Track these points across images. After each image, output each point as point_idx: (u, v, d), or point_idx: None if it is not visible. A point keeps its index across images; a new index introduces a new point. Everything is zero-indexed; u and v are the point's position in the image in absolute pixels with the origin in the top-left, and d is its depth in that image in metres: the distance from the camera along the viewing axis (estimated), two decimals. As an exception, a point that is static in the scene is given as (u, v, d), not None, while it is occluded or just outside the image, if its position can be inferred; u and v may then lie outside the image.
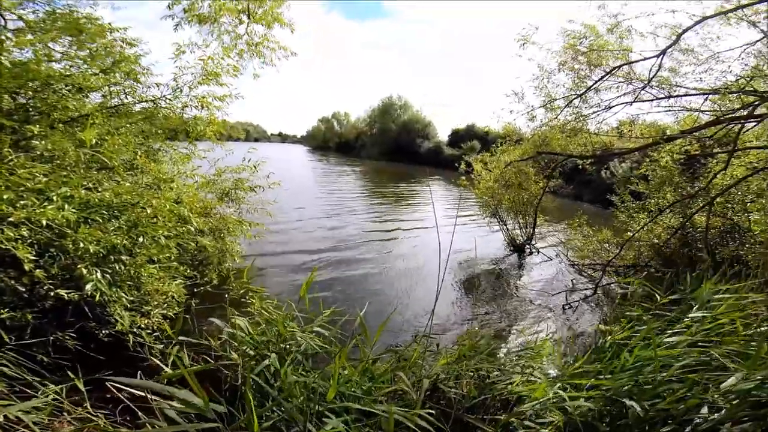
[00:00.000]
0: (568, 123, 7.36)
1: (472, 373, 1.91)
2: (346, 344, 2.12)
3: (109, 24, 4.54)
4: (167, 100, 4.73)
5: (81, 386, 1.79)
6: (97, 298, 2.89)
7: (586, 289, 6.81)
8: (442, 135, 48.72)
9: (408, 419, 1.42)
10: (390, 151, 47.86)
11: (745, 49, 5.35)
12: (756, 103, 4.86)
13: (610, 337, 2.10)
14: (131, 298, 3.29)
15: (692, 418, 1.34)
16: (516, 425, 1.61)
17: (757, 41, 5.22)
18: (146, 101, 4.65)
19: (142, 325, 3.28)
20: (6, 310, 2.59)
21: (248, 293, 3.20)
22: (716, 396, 1.42)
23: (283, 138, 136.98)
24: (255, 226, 6.05)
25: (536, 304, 6.42)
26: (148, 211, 3.38)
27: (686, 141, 6.36)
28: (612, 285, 6.82)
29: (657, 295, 2.33)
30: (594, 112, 6.97)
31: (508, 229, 9.87)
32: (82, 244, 2.87)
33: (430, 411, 1.58)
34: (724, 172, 5.38)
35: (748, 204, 5.55)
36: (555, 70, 7.01)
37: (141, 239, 3.34)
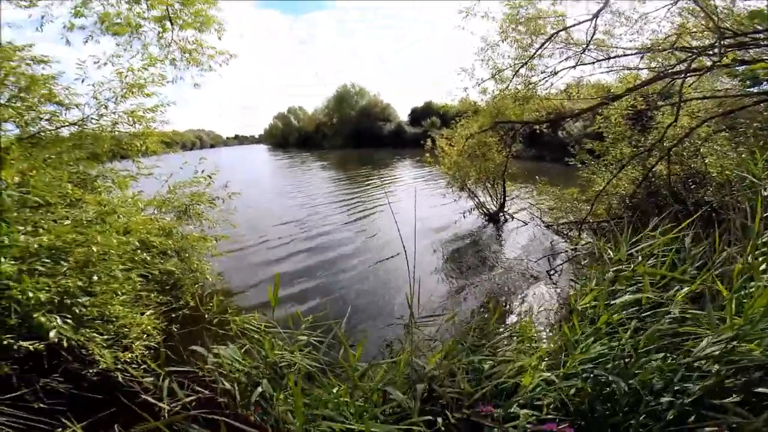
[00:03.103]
0: (519, 92, 7.56)
1: (465, 366, 1.88)
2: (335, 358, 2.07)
3: (9, 43, 3.98)
4: (93, 120, 4.31)
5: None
6: (65, 343, 2.76)
7: (566, 250, 6.97)
8: (403, 115, 48.65)
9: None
10: (353, 137, 47.36)
11: (669, 9, 5.62)
12: (692, 57, 5.11)
13: (576, 304, 2.06)
14: (105, 336, 3.16)
15: (680, 388, 1.34)
16: (515, 414, 1.60)
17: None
18: (69, 124, 4.18)
19: (127, 359, 3.18)
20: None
21: (227, 311, 3.17)
22: (694, 362, 1.41)
23: (240, 140, 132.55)
24: (221, 239, 5.80)
25: (520, 273, 6.51)
26: (94, 249, 3.13)
27: (632, 97, 6.65)
28: (590, 242, 7.01)
29: (609, 251, 2.28)
30: (542, 79, 7.22)
31: (479, 201, 9.97)
32: (31, 294, 2.65)
33: (428, 417, 1.55)
34: (675, 124, 5.58)
35: (701, 150, 5.83)
36: (499, 41, 7.21)
37: (95, 278, 3.13)
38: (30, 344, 2.58)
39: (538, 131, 8.34)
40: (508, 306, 5.47)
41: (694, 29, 5.57)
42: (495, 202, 9.90)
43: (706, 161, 5.71)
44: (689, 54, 5.22)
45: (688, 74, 5.17)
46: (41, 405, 2.58)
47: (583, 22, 6.11)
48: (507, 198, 9.82)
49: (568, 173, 9.57)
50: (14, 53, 3.89)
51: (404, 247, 2.18)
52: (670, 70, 5.66)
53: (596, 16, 5.94)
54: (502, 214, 9.78)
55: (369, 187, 16.93)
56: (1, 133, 3.55)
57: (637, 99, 6.71)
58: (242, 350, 2.44)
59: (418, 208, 10.83)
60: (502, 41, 7.16)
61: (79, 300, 3.02)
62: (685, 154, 6.05)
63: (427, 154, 10.22)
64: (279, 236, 9.40)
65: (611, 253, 2.19)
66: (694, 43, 5.55)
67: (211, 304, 4.65)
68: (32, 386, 2.72)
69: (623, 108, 6.81)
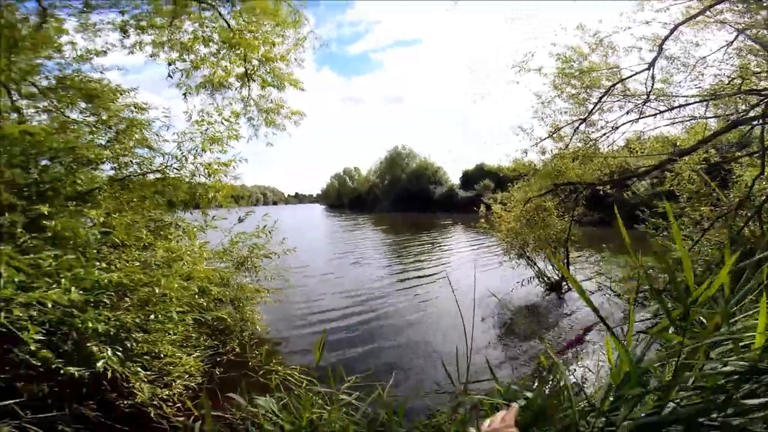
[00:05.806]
0: (579, 150, 7.15)
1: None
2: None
3: (118, 86, 4.50)
4: (174, 170, 4.61)
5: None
6: (109, 374, 2.83)
7: (642, 320, 6.14)
8: (454, 178, 49.29)
9: None
10: (403, 200, 48.33)
11: (725, 50, 5.30)
12: (764, 100, 4.68)
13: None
14: (148, 372, 3.21)
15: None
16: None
17: (733, 40, 5.16)
18: (154, 171, 4.50)
19: (164, 396, 3.19)
20: (21, 383, 2.62)
21: (271, 361, 3.42)
22: None
23: (300, 198, 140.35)
24: (273, 293, 5.85)
25: (589, 341, 5.76)
26: (156, 291, 3.24)
27: (704, 150, 6.03)
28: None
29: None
30: (603, 135, 6.82)
31: (539, 269, 9.29)
32: (90, 324, 2.74)
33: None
34: (762, 176, 4.92)
35: None
36: (554, 96, 6.95)
37: (152, 316, 3.21)
38: (76, 370, 2.60)
39: (602, 193, 7.77)
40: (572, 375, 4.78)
41: (758, 69, 5.15)
42: (557, 270, 9.16)
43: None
44: (761, 97, 4.75)
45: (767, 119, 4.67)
46: (65, 428, 2.65)
47: (640, 72, 5.80)
48: (571, 266, 9.06)
49: (635, 236, 8.71)
50: (119, 96, 4.43)
51: (462, 318, 2.21)
52: (744, 117, 5.14)
53: (652, 65, 5.63)
54: (564, 283, 8.98)
55: (424, 253, 16.49)
56: (97, 173, 3.95)
57: (709, 151, 6.08)
58: (280, 403, 2.32)
59: (472, 275, 10.47)
60: (557, 96, 6.88)
61: (133, 335, 3.08)
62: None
63: (482, 220, 9.90)
64: (335, 301, 9.18)
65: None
66: (762, 84, 5.09)
67: (256, 353, 4.59)
68: (62, 410, 2.77)
69: (695, 162, 6.13)
